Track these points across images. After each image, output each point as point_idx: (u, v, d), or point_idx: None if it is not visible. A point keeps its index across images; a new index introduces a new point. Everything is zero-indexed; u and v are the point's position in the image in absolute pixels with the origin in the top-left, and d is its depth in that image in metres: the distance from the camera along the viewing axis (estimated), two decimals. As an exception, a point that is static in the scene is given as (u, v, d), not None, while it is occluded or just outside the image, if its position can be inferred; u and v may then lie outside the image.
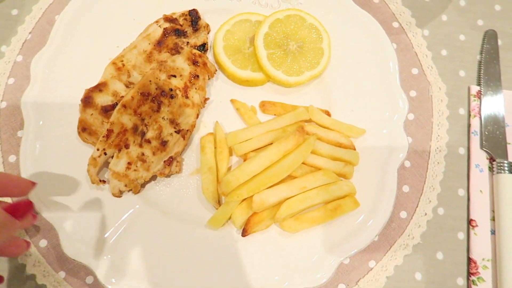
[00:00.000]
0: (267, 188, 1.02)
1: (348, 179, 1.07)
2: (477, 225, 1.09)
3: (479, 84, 1.24)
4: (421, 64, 1.25)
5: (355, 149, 1.09)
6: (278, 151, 1.02)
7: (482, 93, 1.22)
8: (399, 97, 1.12)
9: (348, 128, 1.10)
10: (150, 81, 1.08)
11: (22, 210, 0.85)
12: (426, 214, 1.11)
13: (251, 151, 1.08)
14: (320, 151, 1.06)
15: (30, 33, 1.22)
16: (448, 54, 1.27)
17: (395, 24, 1.28)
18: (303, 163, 1.04)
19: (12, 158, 1.11)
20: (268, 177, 1.02)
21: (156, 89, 1.08)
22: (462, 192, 1.14)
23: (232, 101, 1.16)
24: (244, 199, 1.03)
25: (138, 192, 1.06)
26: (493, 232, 1.08)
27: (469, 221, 1.10)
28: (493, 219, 1.09)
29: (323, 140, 1.08)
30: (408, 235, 1.09)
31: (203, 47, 1.17)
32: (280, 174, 1.02)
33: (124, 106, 1.05)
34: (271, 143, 1.08)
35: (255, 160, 1.02)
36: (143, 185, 1.08)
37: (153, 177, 1.09)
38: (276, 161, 1.02)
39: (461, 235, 1.10)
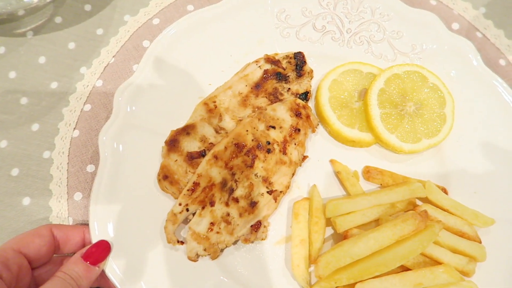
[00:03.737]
0: (373, 277, 0.84)
1: (468, 277, 0.89)
2: None
3: None
4: (555, 143, 1.06)
5: (480, 242, 0.90)
6: (392, 234, 0.85)
7: None
8: (537, 184, 0.94)
9: (473, 215, 0.92)
10: (247, 130, 0.93)
11: (100, 255, 0.83)
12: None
13: (354, 228, 0.91)
14: (439, 240, 0.88)
15: (113, 56, 1.11)
16: None
17: (525, 93, 1.10)
18: (419, 252, 0.87)
19: (77, 196, 0.98)
20: (376, 264, 0.85)
21: (253, 140, 0.93)
22: None
23: (332, 162, 1.01)
24: (343, 286, 0.86)
25: (217, 257, 0.90)
26: None
27: None
28: None
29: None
30: None
31: (305, 96, 1.02)
32: (391, 263, 0.84)
33: (215, 157, 0.91)
34: (377, 220, 0.92)
35: (362, 241, 0.85)
36: (222, 250, 0.92)
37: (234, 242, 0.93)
38: (387, 246, 0.85)
39: None
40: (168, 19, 1.14)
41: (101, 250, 0.84)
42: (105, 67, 1.10)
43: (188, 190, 0.89)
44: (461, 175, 0.98)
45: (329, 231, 0.96)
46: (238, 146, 0.92)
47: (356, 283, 0.84)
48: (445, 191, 0.97)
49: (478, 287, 0.85)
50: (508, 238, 0.91)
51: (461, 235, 0.90)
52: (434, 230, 0.85)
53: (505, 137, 0.99)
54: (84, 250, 0.83)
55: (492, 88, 1.02)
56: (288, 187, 0.95)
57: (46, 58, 1.10)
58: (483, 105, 1.01)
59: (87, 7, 1.16)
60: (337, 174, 1.00)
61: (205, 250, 0.88)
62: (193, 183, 0.89)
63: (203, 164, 0.90)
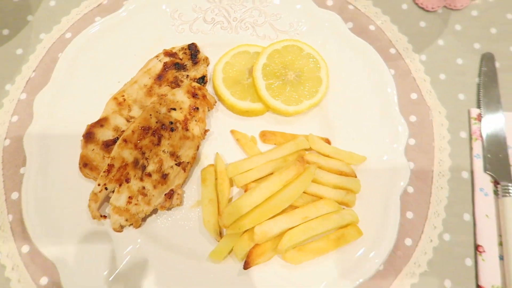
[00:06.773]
0: (269, 219, 1.01)
1: (350, 207, 1.06)
2: (484, 251, 1.06)
3: (479, 107, 1.24)
4: (420, 89, 1.25)
5: (356, 177, 1.08)
6: (279, 181, 1.02)
7: (482, 115, 1.21)
8: (398, 123, 1.12)
9: (348, 156, 1.10)
10: (150, 115, 1.09)
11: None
12: (431, 240, 1.09)
13: (252, 182, 1.08)
14: (321, 180, 1.06)
15: (34, 71, 1.25)
16: (446, 78, 1.27)
17: (392, 51, 1.30)
18: (304, 192, 1.04)
19: (14, 195, 1.12)
20: (269, 208, 1.01)
21: (157, 122, 1.09)
22: (467, 217, 1.12)
23: (232, 132, 1.17)
24: (246, 231, 1.02)
25: (139, 226, 1.06)
26: (501, 258, 1.06)
27: (476, 247, 1.08)
28: (501, 244, 1.07)
29: (324, 169, 1.08)
30: (414, 263, 1.06)
31: (202, 80, 1.19)
32: (281, 204, 1.01)
33: (125, 140, 1.06)
34: (272, 173, 1.09)
35: (256, 191, 1.01)
36: (144, 219, 1.08)
37: (154, 211, 1.08)
38: (277, 191, 1.02)
39: (469, 262, 1.07)
40: (79, 31, 1.28)
41: None
42: (27, 81, 1.24)
43: (104, 172, 1.04)
44: (341, 126, 1.16)
45: (236, 190, 1.12)
46: (144, 129, 1.07)
47: (255, 226, 1.01)
48: (328, 141, 1.15)
49: (356, 213, 1.03)
50: (377, 170, 1.09)
51: (340, 173, 1.08)
52: (311, 171, 1.02)
53: (371, 89, 1.17)
54: None
55: (358, 51, 1.20)
56: (194, 158, 1.11)
57: (-27, 81, 1.24)
58: (352, 66, 1.20)
59: (5, 32, 1.30)
60: (237, 141, 1.16)
61: (126, 220, 1.03)
62: (108, 165, 1.04)
63: (115, 148, 1.05)
